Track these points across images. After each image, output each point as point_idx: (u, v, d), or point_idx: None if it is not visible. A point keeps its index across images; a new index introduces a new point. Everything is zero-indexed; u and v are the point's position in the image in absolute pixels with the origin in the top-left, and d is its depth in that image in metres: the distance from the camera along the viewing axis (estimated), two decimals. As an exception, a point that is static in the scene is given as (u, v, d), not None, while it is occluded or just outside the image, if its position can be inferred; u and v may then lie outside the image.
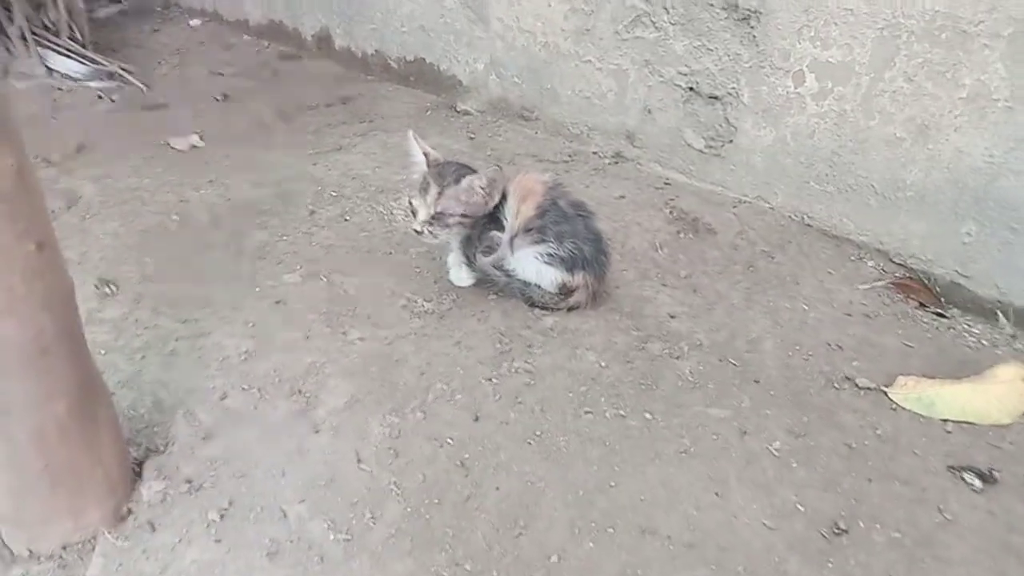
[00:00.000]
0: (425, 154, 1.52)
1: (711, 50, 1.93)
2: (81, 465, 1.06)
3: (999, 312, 1.59)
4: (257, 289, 1.66)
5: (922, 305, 1.64)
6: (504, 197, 1.51)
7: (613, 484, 1.17)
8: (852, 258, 1.78)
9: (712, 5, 1.88)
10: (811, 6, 1.70)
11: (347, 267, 1.74)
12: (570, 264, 1.50)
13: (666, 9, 1.98)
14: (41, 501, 1.06)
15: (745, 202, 1.99)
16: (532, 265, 1.51)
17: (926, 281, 1.70)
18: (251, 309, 1.59)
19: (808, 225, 1.89)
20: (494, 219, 1.52)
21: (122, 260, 1.77)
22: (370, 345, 1.48)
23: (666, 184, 2.12)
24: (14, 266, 0.92)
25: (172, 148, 2.43)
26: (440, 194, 1.47)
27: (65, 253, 1.77)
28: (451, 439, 1.26)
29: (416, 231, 1.51)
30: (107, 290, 1.65)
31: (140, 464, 1.21)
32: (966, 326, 1.58)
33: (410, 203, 1.52)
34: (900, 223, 1.72)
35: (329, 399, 1.34)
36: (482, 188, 1.48)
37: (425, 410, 1.31)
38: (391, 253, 1.80)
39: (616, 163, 2.27)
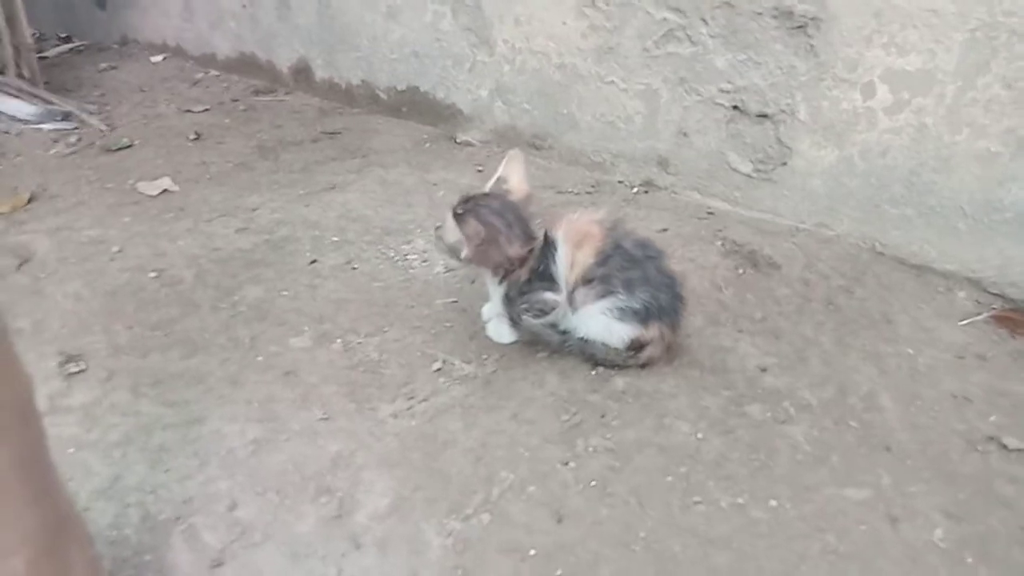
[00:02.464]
0: (500, 179, 1.30)
1: (759, 64, 1.72)
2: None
3: (1123, 346, 1.39)
4: (259, 358, 1.37)
5: (1034, 342, 1.43)
6: (552, 245, 1.26)
7: (756, 603, 0.91)
8: (940, 290, 1.57)
9: (760, 14, 1.68)
10: (883, 9, 1.51)
11: (364, 325, 1.47)
12: (644, 316, 1.25)
13: (704, 21, 1.77)
14: None
15: (804, 230, 1.78)
16: (599, 322, 1.26)
17: (1030, 313, 1.49)
18: (255, 384, 1.30)
19: (881, 254, 1.68)
20: (542, 273, 1.27)
21: (88, 328, 1.47)
22: (407, 423, 1.21)
23: (709, 214, 1.90)
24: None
25: (141, 193, 2.13)
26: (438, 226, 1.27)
27: (17, 322, 1.48)
28: (534, 549, 0.98)
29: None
30: (72, 367, 1.35)
31: (128, 607, 0.91)
32: (1092, 364, 1.37)
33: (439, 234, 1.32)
34: (996, 248, 1.52)
35: (368, 500, 1.06)
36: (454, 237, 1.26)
37: (492, 510, 1.04)
38: (413, 306, 1.54)
39: (647, 192, 2.04)
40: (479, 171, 2.23)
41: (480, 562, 0.97)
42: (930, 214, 1.59)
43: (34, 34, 3.98)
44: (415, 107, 2.59)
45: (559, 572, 0.95)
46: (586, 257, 1.26)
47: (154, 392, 1.28)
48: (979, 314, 1.50)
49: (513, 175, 1.32)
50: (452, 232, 1.27)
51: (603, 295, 1.25)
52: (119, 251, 1.77)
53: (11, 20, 2.71)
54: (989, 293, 1.54)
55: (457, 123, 2.47)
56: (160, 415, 1.23)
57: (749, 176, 1.84)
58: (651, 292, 1.24)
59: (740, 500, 1.04)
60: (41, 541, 0.73)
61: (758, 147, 1.80)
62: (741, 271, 1.65)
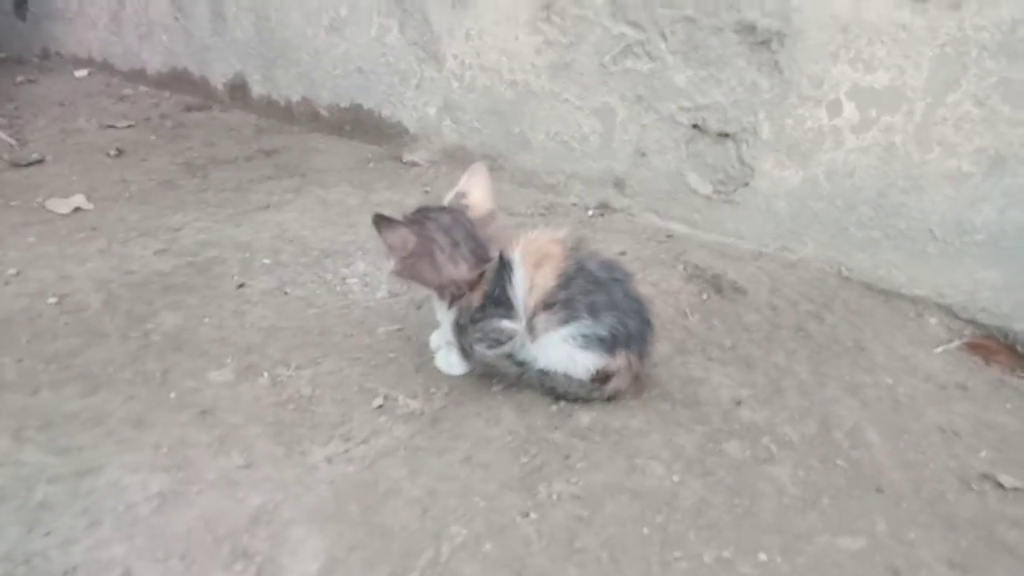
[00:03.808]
0: (459, 194, 1.16)
1: (721, 81, 1.65)
2: None
3: (1100, 373, 1.33)
4: (172, 395, 1.19)
5: (1012, 368, 1.36)
6: (508, 266, 1.13)
7: None
8: (911, 316, 1.50)
9: (722, 29, 1.60)
10: (850, 24, 1.45)
11: (296, 356, 1.31)
12: (610, 343, 1.12)
13: (663, 36, 1.69)
14: None
15: (767, 254, 1.70)
16: (561, 351, 1.13)
17: (1004, 339, 1.42)
18: (164, 425, 1.12)
19: (847, 278, 1.60)
20: (497, 299, 1.13)
21: (-27, 361, 1.27)
22: (343, 469, 1.05)
23: (668, 237, 1.81)
24: None
25: (50, 211, 1.93)
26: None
27: None
28: (491, 619, 0.83)
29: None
30: (-54, 408, 1.15)
31: None
32: (1072, 393, 1.30)
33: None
34: (966, 272, 1.46)
35: (293, 564, 0.90)
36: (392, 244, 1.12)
37: (443, 573, 0.89)
38: (352, 335, 1.38)
39: (602, 215, 1.94)
40: (426, 192, 2.10)
41: (427, 638, 0.81)
42: (898, 237, 1.52)
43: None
44: (359, 125, 2.45)
45: (522, 648, 0.81)
46: (546, 279, 1.13)
47: (41, 436, 1.09)
48: (952, 341, 1.43)
49: (475, 190, 1.19)
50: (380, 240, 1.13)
51: (566, 321, 1.12)
52: (16, 274, 1.57)
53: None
54: (960, 319, 1.48)
55: (403, 142, 2.34)
56: (46, 464, 1.04)
57: (709, 198, 1.76)
58: (618, 317, 1.12)
59: (726, 554, 0.92)
60: None
61: (719, 167, 1.72)
62: (705, 296, 1.55)
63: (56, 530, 0.92)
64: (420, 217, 1.14)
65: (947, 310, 1.50)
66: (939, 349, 1.40)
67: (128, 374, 1.24)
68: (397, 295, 1.51)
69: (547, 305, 1.13)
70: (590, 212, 1.95)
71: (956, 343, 1.43)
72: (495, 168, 2.14)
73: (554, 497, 1.00)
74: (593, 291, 1.12)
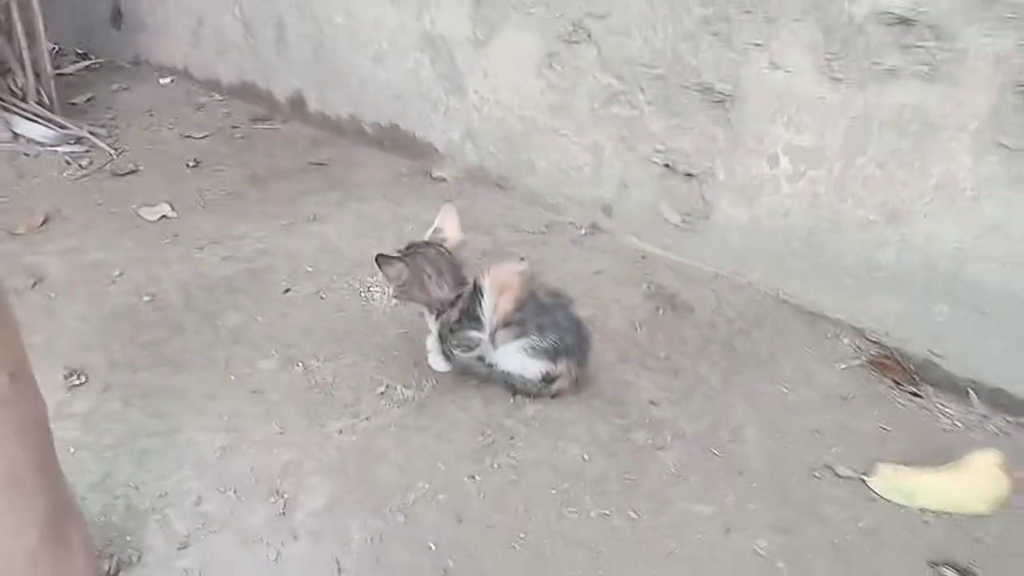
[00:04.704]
0: (436, 230, 1.54)
1: (687, 130, 1.97)
2: (50, 592, 1.01)
3: (971, 391, 1.62)
4: (232, 377, 1.62)
5: (897, 384, 1.67)
6: (480, 291, 1.51)
7: (601, 592, 1.16)
8: (828, 336, 1.81)
9: (688, 88, 1.92)
10: (783, 93, 1.75)
11: (324, 351, 1.72)
12: (553, 354, 1.49)
13: (641, 89, 2.02)
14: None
15: (721, 277, 2.02)
16: (515, 359, 1.50)
17: (901, 359, 1.72)
18: (226, 400, 1.55)
19: (785, 301, 1.91)
20: (470, 314, 1.51)
21: (90, 345, 1.72)
22: (349, 438, 1.45)
23: (643, 258, 2.14)
24: (-16, 398, 0.88)
25: (142, 218, 2.39)
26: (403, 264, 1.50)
27: (31, 338, 1.73)
28: (434, 544, 1.23)
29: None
30: (75, 380, 1.60)
31: (113, 577, 1.16)
32: (940, 406, 1.60)
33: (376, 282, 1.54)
34: (875, 302, 1.76)
35: (308, 500, 1.31)
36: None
37: (407, 512, 1.29)
38: (368, 335, 1.78)
39: (593, 234, 2.28)
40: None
41: (390, 552, 1.21)
42: (823, 269, 1.83)
43: (55, 49, 4.26)
44: (396, 142, 2.85)
45: (450, 562, 1.20)
46: (506, 303, 1.50)
47: (142, 404, 1.53)
48: (857, 359, 1.73)
49: (448, 225, 1.57)
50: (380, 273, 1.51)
51: (518, 336, 1.49)
52: (119, 275, 2.02)
53: (33, 51, 2.97)
54: (868, 340, 1.78)
55: (433, 160, 2.72)
56: (145, 424, 1.48)
57: (678, 226, 2.08)
58: (559, 334, 1.49)
59: (606, 511, 1.29)
60: (47, 523, 0.98)
61: (685, 201, 2.04)
62: (661, 312, 1.89)
63: (153, 469, 1.36)
64: (411, 252, 1.52)
65: (859, 332, 1.80)
66: (842, 365, 1.71)
67: (201, 360, 1.67)
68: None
69: (506, 323, 1.50)
70: (583, 231, 2.30)
71: (859, 361, 1.73)
72: (508, 188, 2.50)
73: (496, 466, 1.38)
74: (540, 314, 1.49)
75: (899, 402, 1.61)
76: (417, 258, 1.51)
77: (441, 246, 1.54)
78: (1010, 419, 1.57)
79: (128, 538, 1.23)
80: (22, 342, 0.97)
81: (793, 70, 1.71)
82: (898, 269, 1.69)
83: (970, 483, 1.37)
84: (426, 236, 1.57)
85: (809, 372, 1.68)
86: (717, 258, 2.03)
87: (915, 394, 1.64)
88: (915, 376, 1.69)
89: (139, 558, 1.20)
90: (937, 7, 1.47)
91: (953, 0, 1.45)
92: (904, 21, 1.52)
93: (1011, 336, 1.57)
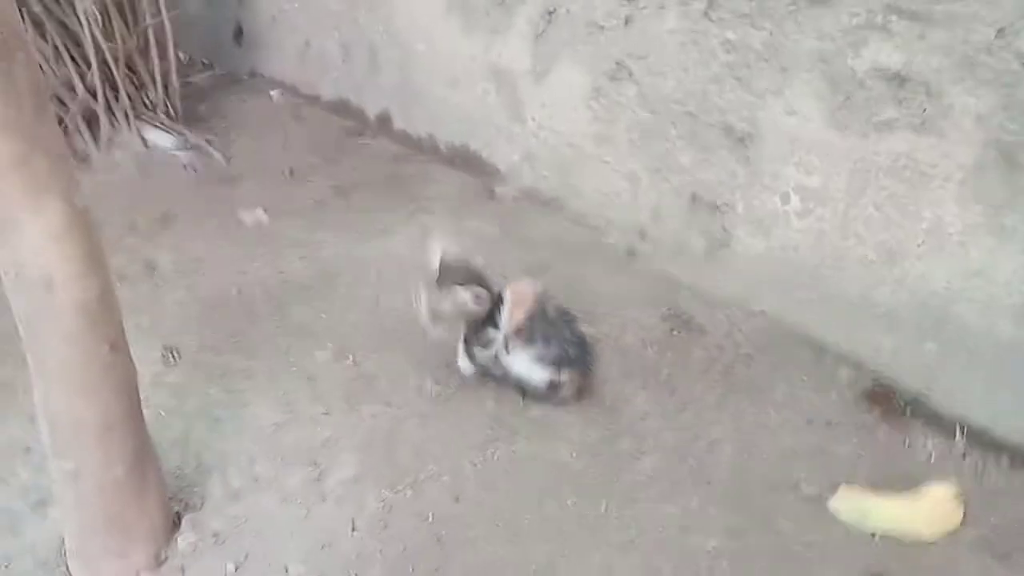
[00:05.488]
0: (441, 256, 1.76)
1: (712, 164, 2.13)
2: (131, 517, 1.34)
3: (957, 428, 1.71)
4: (293, 365, 1.93)
5: (886, 415, 1.78)
6: (502, 300, 1.75)
7: (561, 566, 1.37)
8: (827, 365, 1.92)
9: (713, 126, 2.09)
10: (796, 137, 1.89)
11: (372, 347, 2.00)
12: (556, 364, 1.71)
13: (673, 125, 2.20)
14: (99, 542, 1.34)
15: (737, 304, 2.16)
16: (523, 365, 1.73)
17: (893, 393, 1.83)
18: (286, 383, 1.86)
19: (792, 331, 2.04)
20: (492, 318, 1.76)
21: (186, 329, 2.08)
22: (380, 423, 1.73)
23: (669, 281, 2.31)
24: (92, 362, 1.20)
25: (240, 221, 2.77)
26: (433, 295, 1.71)
27: (139, 318, 2.11)
28: (432, 516, 1.48)
29: (425, 323, 1.75)
30: (171, 357, 1.96)
31: (180, 517, 1.48)
32: (922, 439, 1.70)
33: (419, 295, 1.75)
34: (872, 336, 1.87)
35: (338, 471, 1.59)
36: (467, 300, 1.72)
37: (415, 488, 1.55)
38: (412, 336, 2.04)
39: (630, 256, 2.47)
40: (502, 224, 2.72)
41: (396, 519, 1.48)
42: (827, 301, 1.95)
43: (186, 59, 4.83)
44: (466, 161, 3.12)
45: (444, 532, 1.45)
46: (519, 316, 1.74)
47: (220, 381, 1.87)
48: (850, 389, 1.85)
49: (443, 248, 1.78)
50: (451, 301, 1.73)
51: (527, 345, 1.73)
52: (214, 269, 2.39)
53: (164, 67, 3.45)
54: (865, 372, 1.89)
55: (496, 179, 2.98)
56: (221, 398, 1.81)
57: (703, 253, 2.25)
58: (562, 347, 1.71)
59: (580, 503, 1.50)
60: (131, 462, 1.30)
61: (709, 231, 2.21)
62: (674, 333, 2.07)
63: (222, 434, 1.68)
64: (458, 276, 1.75)
65: (857, 364, 1.91)
66: (834, 394, 1.84)
67: (269, 347, 1.99)
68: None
69: (518, 332, 1.74)
70: (621, 252, 2.49)
71: (852, 391, 1.85)
72: (557, 208, 2.72)
73: (495, 457, 1.62)
74: (547, 327, 1.72)
75: (880, 433, 1.72)
76: (480, 279, 1.74)
77: (471, 265, 1.79)
78: (989, 457, 1.66)
79: (195, 487, 1.55)
80: (122, 320, 1.29)
81: (804, 116, 1.85)
82: (893, 306, 1.80)
83: (923, 511, 1.49)
84: (434, 264, 1.78)
85: (800, 398, 1.82)
86: (735, 286, 2.18)
87: (899, 427, 1.75)
88: (904, 409, 1.79)
89: (201, 504, 1.51)
90: (927, 66, 1.59)
91: (941, 60, 1.57)
92: (899, 77, 1.65)
93: (994, 377, 1.66)
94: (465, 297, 1.70)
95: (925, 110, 1.62)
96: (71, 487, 1.28)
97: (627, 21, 2.24)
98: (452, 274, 1.75)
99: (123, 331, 1.30)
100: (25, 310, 1.18)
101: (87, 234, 1.17)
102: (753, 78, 1.95)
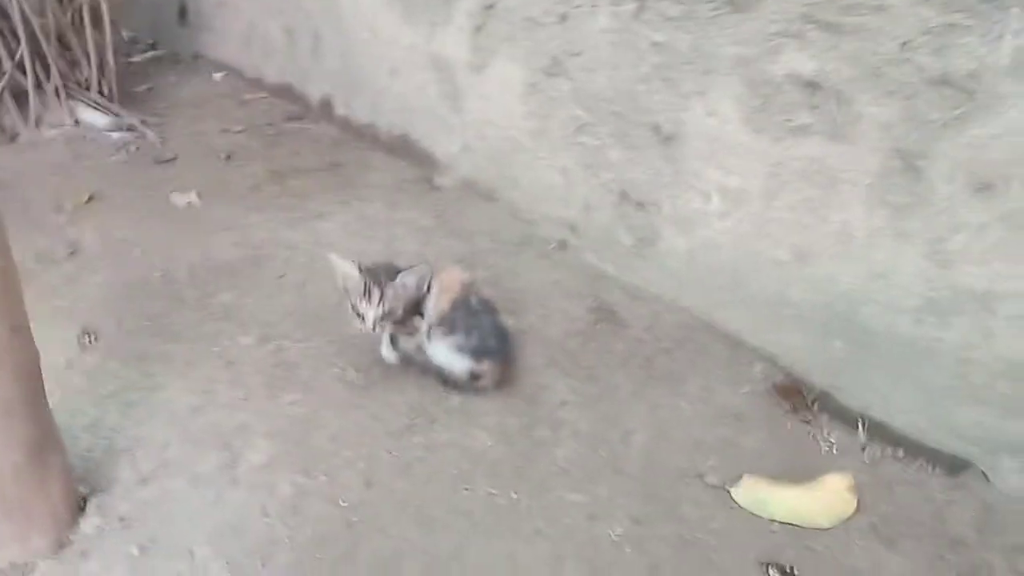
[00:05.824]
0: (357, 266, 1.73)
1: (639, 163, 2.17)
2: (31, 501, 1.32)
3: (859, 421, 1.79)
4: (215, 349, 1.91)
5: (794, 410, 1.85)
6: (429, 289, 1.76)
7: (467, 553, 1.40)
8: (743, 361, 1.99)
9: (641, 125, 2.13)
10: (717, 138, 1.95)
11: (296, 333, 1.99)
12: (477, 354, 1.73)
13: (604, 122, 2.24)
14: (-4, 527, 1.31)
15: (662, 300, 2.21)
16: (444, 353, 1.75)
17: (803, 388, 1.90)
18: (206, 367, 1.84)
19: (711, 327, 2.10)
20: (416, 307, 1.77)
21: (106, 311, 2.04)
22: (298, 410, 1.73)
23: (598, 275, 2.35)
24: (-11, 346, 1.18)
25: (172, 204, 2.72)
26: (382, 295, 1.69)
27: (58, 301, 2.07)
28: (344, 501, 1.49)
29: (372, 329, 1.72)
30: (87, 340, 1.92)
31: (86, 501, 1.46)
32: (827, 433, 1.78)
33: (354, 308, 1.72)
34: (784, 334, 1.94)
35: (252, 456, 1.59)
36: (413, 284, 1.72)
37: (328, 473, 1.55)
38: (337, 323, 2.05)
39: (562, 249, 2.50)
40: (438, 214, 2.73)
41: (308, 505, 1.48)
42: (745, 300, 2.01)
43: (131, 38, 4.70)
44: (406, 150, 3.12)
45: (355, 518, 1.46)
46: (443, 304, 1.75)
47: (137, 364, 1.84)
48: (763, 384, 1.92)
49: (350, 262, 1.75)
50: (386, 301, 1.68)
51: (448, 334, 1.74)
52: (141, 252, 2.35)
53: (100, 46, 3.35)
54: (778, 367, 1.96)
55: (435, 169, 2.99)
56: (136, 381, 1.78)
57: (630, 249, 2.29)
58: (482, 337, 1.73)
59: (493, 490, 1.53)
60: (31, 447, 1.28)
61: (637, 228, 2.25)
62: (598, 325, 2.11)
63: (134, 418, 1.66)
64: (391, 269, 1.74)
65: (772, 360, 1.98)
66: (746, 388, 1.90)
67: (192, 332, 1.97)
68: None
69: (441, 321, 1.75)
70: (552, 245, 2.52)
71: (765, 386, 1.92)
72: (495, 200, 2.74)
73: (412, 443, 1.64)
74: (469, 317, 1.74)
75: (788, 426, 1.79)
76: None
77: (384, 263, 1.79)
78: (887, 450, 1.74)
79: (103, 470, 1.53)
80: (23, 300, 1.26)
81: (723, 118, 1.91)
82: (803, 306, 1.87)
83: (819, 500, 1.56)
84: (348, 274, 1.75)
85: (713, 391, 1.87)
86: (661, 282, 2.23)
87: (806, 420, 1.82)
88: (812, 404, 1.86)
89: (109, 486, 1.49)
90: (839, 75, 1.65)
91: (851, 70, 1.63)
92: (813, 84, 1.71)
93: (894, 374, 1.74)
94: (409, 281, 1.70)
95: (836, 118, 1.68)
96: (-33, 471, 1.26)
97: (563, 19, 2.27)
98: (381, 275, 1.73)
99: (25, 313, 1.27)
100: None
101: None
102: (679, 79, 2.00)
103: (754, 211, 1.92)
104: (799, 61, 1.72)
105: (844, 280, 1.78)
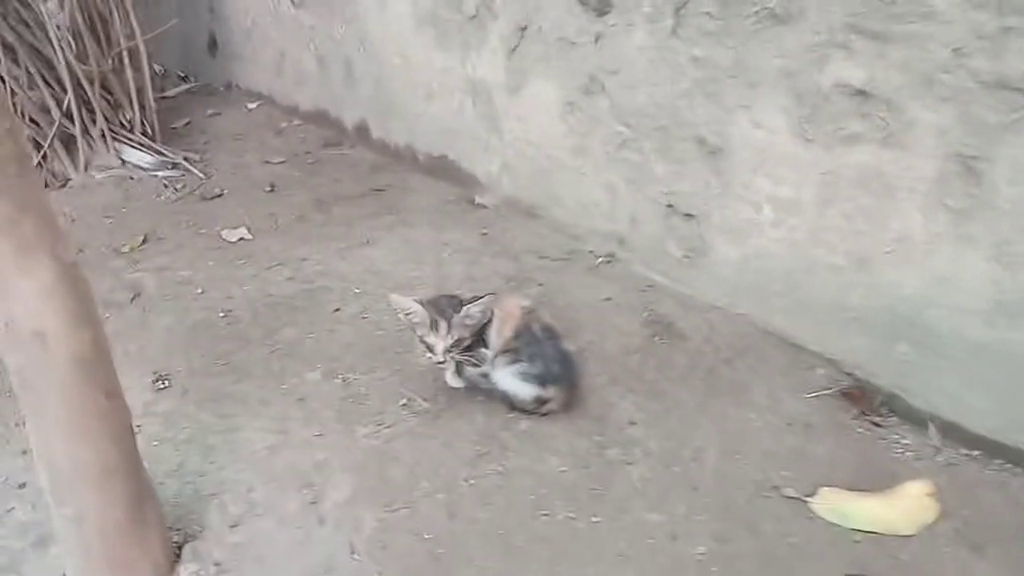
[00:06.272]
0: (419, 302, 1.76)
1: (685, 176, 2.19)
2: (134, 555, 1.37)
3: (929, 424, 1.79)
4: (284, 386, 1.96)
5: (863, 414, 1.84)
6: (490, 320, 1.79)
7: (556, 581, 1.43)
8: (805, 367, 1.99)
9: (684, 139, 2.14)
10: (765, 149, 1.95)
11: (360, 366, 2.04)
12: (542, 380, 1.76)
13: (648, 138, 2.25)
14: (103, 582, 1.37)
15: (717, 308, 2.22)
16: (510, 380, 1.78)
17: (869, 392, 1.89)
18: (278, 405, 1.89)
19: (770, 333, 2.11)
20: (480, 335, 1.80)
21: (174, 353, 2.10)
22: (373, 443, 1.77)
23: (649, 287, 2.37)
24: (89, 410, 1.23)
25: (224, 240, 2.78)
26: (450, 326, 1.72)
27: (128, 345, 2.13)
28: (428, 535, 1.52)
29: (440, 362, 1.77)
30: (160, 384, 1.98)
31: (180, 547, 1.51)
32: (897, 437, 1.78)
33: (424, 342, 1.75)
34: (845, 338, 1.94)
35: (334, 493, 1.63)
36: (478, 313, 1.75)
37: (410, 506, 1.59)
38: (400, 352, 2.09)
39: (608, 262, 2.52)
40: (483, 234, 2.76)
41: (394, 540, 1.52)
42: (802, 305, 2.02)
43: (161, 72, 4.80)
44: (445, 171, 3.16)
45: (442, 549, 1.49)
46: (507, 332, 1.79)
47: (211, 406, 1.90)
48: (828, 389, 1.92)
49: (413, 299, 1.79)
50: (453, 332, 1.71)
51: (514, 362, 1.77)
52: (202, 292, 2.41)
53: (140, 87, 3.44)
54: (842, 372, 1.96)
55: (476, 189, 3.02)
56: (213, 423, 1.84)
57: (680, 260, 2.31)
58: (546, 364, 1.76)
59: (572, 515, 1.55)
60: (131, 502, 1.33)
61: (686, 239, 2.27)
62: (656, 339, 2.12)
63: (216, 461, 1.71)
64: (454, 301, 1.77)
65: (834, 365, 1.98)
66: (811, 395, 1.91)
67: (260, 370, 2.02)
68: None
69: (505, 349, 1.78)
70: (599, 260, 2.54)
71: (830, 391, 1.92)
72: (538, 217, 2.77)
73: (487, 471, 1.67)
74: (532, 344, 1.77)
75: (858, 431, 1.79)
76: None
77: (446, 295, 1.82)
78: (962, 452, 1.73)
79: (193, 516, 1.58)
80: (114, 366, 1.31)
81: (771, 129, 1.91)
82: (864, 310, 1.87)
83: (900, 507, 1.56)
84: (412, 310, 1.77)
85: (779, 399, 1.88)
86: (714, 291, 2.24)
87: (876, 424, 1.82)
88: (880, 408, 1.86)
89: (201, 532, 1.54)
90: (888, 84, 1.65)
91: (902, 78, 1.63)
92: (862, 93, 1.71)
93: (965, 376, 1.73)
94: (475, 312, 1.73)
95: (888, 125, 1.68)
96: (73, 531, 1.31)
97: (597, 38, 2.29)
98: (445, 306, 1.77)
99: (116, 378, 1.32)
100: (18, 364, 1.20)
101: (77, 287, 1.20)
102: (722, 93, 2.01)
103: (808, 220, 1.92)
104: (847, 70, 1.73)
105: (906, 284, 1.77)
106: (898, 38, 1.61)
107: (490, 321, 1.79)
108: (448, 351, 1.74)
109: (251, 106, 4.36)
